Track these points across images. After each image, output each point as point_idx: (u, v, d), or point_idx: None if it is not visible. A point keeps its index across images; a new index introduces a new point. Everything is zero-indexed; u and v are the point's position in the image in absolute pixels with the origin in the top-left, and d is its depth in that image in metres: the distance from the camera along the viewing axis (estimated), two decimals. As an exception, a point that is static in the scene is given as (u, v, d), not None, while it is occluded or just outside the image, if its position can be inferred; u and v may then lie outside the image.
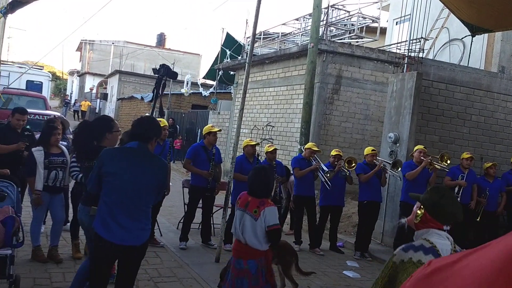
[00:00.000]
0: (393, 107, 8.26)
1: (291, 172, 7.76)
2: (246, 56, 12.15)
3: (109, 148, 3.53)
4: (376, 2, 13.65)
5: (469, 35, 7.74)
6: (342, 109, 11.10)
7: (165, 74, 6.67)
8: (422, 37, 9.84)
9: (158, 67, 6.88)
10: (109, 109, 33.00)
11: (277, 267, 4.76)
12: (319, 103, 10.82)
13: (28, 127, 6.42)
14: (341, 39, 13.15)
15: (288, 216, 8.49)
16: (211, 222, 7.21)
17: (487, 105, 8.82)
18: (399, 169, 7.36)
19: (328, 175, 7.26)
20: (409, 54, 8.71)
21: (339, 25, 13.71)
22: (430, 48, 11.92)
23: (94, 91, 39.36)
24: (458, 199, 7.58)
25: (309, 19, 13.54)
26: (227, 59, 17.93)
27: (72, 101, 38.21)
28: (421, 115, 8.17)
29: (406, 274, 2.13)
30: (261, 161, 7.43)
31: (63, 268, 5.07)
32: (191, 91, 23.64)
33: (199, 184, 6.75)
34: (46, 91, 21.24)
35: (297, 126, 10.77)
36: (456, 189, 7.60)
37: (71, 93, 45.79)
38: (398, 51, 11.70)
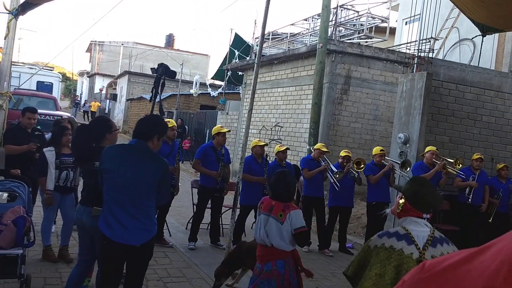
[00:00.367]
0: (403, 107, 8.22)
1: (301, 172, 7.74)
2: (255, 57, 12.15)
3: (110, 146, 3.54)
4: (385, 2, 13.59)
5: (479, 35, 7.67)
6: (351, 109, 11.06)
7: (163, 73, 6.63)
8: (432, 37, 9.77)
9: (161, 66, 6.80)
10: (118, 109, 33.18)
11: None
12: (328, 104, 10.80)
13: (38, 127, 6.48)
14: (350, 39, 13.11)
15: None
16: (220, 223, 7.22)
17: (497, 105, 8.75)
18: (408, 169, 7.31)
19: (337, 176, 7.23)
20: (419, 54, 8.66)
21: (348, 25, 13.68)
22: (440, 48, 11.83)
23: (103, 91, 39.59)
24: (469, 201, 7.52)
25: (318, 19, 13.53)
26: (236, 59, 17.95)
27: (82, 102, 38.49)
28: (431, 115, 8.11)
29: (377, 258, 2.28)
30: (270, 162, 7.43)
31: (73, 267, 5.09)
32: (200, 92, 23.70)
33: (208, 184, 6.76)
34: (56, 92, 21.40)
35: (306, 127, 10.75)
36: (467, 190, 7.54)
37: (81, 94, 46.11)
38: (407, 51, 11.63)
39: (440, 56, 11.57)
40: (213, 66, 39.49)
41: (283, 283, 3.37)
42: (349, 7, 13.58)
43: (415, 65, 8.46)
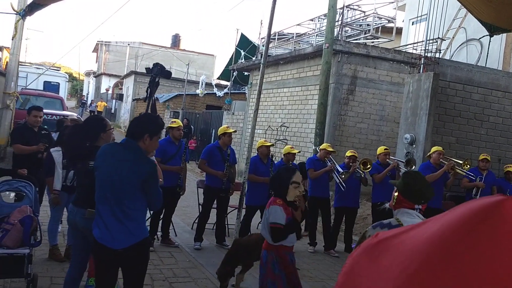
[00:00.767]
0: (409, 108, 8.19)
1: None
2: (261, 57, 12.15)
3: (105, 144, 3.52)
4: (392, 2, 13.53)
5: (487, 35, 7.60)
6: (357, 109, 11.03)
7: (159, 73, 6.59)
8: (438, 37, 9.73)
9: (156, 66, 6.74)
10: (125, 109, 33.28)
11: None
12: (334, 104, 10.78)
13: (45, 127, 6.51)
14: (356, 40, 13.07)
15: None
16: (226, 223, 7.22)
17: (505, 106, 8.69)
18: (414, 167, 7.30)
19: (343, 176, 7.22)
20: (426, 54, 8.62)
21: (355, 25, 13.64)
22: (447, 49, 11.77)
23: (110, 91, 39.74)
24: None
25: (324, 19, 13.50)
26: (242, 59, 17.96)
27: (88, 102, 38.63)
28: (437, 116, 8.08)
29: None
30: (275, 162, 7.42)
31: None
32: (206, 92, 23.74)
33: (213, 184, 6.76)
34: (63, 92, 21.54)
35: (312, 127, 10.73)
36: (474, 190, 7.50)
37: (87, 94, 46.31)
38: (414, 51, 11.58)
39: (447, 57, 11.52)
40: (219, 66, 39.52)
41: (265, 272, 3.51)
42: (355, 7, 13.54)
43: (422, 65, 8.43)
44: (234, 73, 18.63)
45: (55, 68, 23.41)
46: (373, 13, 12.91)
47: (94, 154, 3.32)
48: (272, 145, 7.52)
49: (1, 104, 11.53)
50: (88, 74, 51.31)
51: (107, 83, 40.81)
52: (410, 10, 15.30)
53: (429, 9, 9.25)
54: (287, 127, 12.57)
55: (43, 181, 5.49)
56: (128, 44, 42.63)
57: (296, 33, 16.01)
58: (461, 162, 7.38)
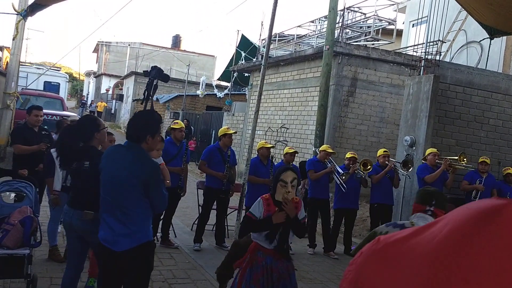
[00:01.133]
0: (409, 110, 8.19)
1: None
2: (261, 58, 12.16)
3: (110, 146, 3.52)
4: (393, 4, 13.55)
5: (487, 38, 7.60)
6: (358, 111, 11.04)
7: (156, 76, 6.61)
8: (439, 40, 9.74)
9: (154, 69, 6.77)
10: (125, 110, 33.28)
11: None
12: (334, 106, 10.78)
13: (45, 127, 6.51)
14: (356, 42, 13.08)
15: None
16: (225, 224, 7.22)
17: (505, 108, 8.70)
18: (411, 168, 7.32)
19: (343, 177, 7.23)
20: (426, 56, 8.63)
21: (355, 27, 13.65)
22: (447, 51, 11.79)
23: (110, 92, 39.74)
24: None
25: (324, 21, 13.52)
26: (242, 61, 17.97)
27: (89, 102, 38.65)
28: (437, 118, 8.08)
29: None
30: (275, 163, 7.42)
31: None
32: (206, 93, 23.75)
33: (213, 185, 6.77)
34: (63, 92, 21.55)
35: (312, 129, 10.74)
36: (474, 193, 7.51)
37: (87, 94, 46.33)
38: (414, 53, 11.60)
39: (447, 59, 11.52)
40: (220, 67, 39.61)
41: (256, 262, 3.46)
42: (356, 9, 13.55)
43: (422, 67, 8.44)
44: (235, 74, 18.64)
45: (56, 68, 23.41)
46: (374, 15, 12.92)
47: (88, 154, 3.30)
48: (273, 146, 7.52)
49: (1, 104, 11.53)
50: (88, 74, 51.34)
51: (107, 84, 40.82)
52: (411, 12, 15.33)
53: (430, 11, 9.25)
54: (287, 128, 12.58)
55: (42, 181, 5.50)
56: (129, 45, 42.66)
57: (297, 35, 16.02)
58: (456, 158, 7.41)
